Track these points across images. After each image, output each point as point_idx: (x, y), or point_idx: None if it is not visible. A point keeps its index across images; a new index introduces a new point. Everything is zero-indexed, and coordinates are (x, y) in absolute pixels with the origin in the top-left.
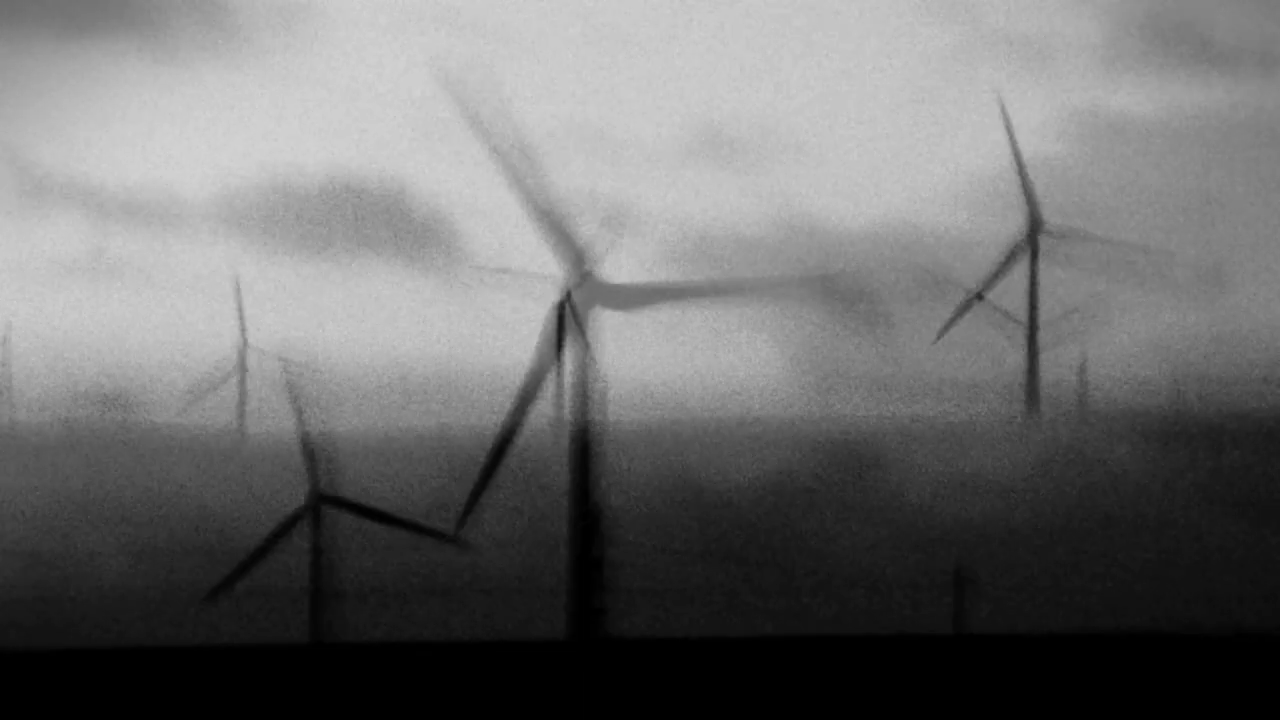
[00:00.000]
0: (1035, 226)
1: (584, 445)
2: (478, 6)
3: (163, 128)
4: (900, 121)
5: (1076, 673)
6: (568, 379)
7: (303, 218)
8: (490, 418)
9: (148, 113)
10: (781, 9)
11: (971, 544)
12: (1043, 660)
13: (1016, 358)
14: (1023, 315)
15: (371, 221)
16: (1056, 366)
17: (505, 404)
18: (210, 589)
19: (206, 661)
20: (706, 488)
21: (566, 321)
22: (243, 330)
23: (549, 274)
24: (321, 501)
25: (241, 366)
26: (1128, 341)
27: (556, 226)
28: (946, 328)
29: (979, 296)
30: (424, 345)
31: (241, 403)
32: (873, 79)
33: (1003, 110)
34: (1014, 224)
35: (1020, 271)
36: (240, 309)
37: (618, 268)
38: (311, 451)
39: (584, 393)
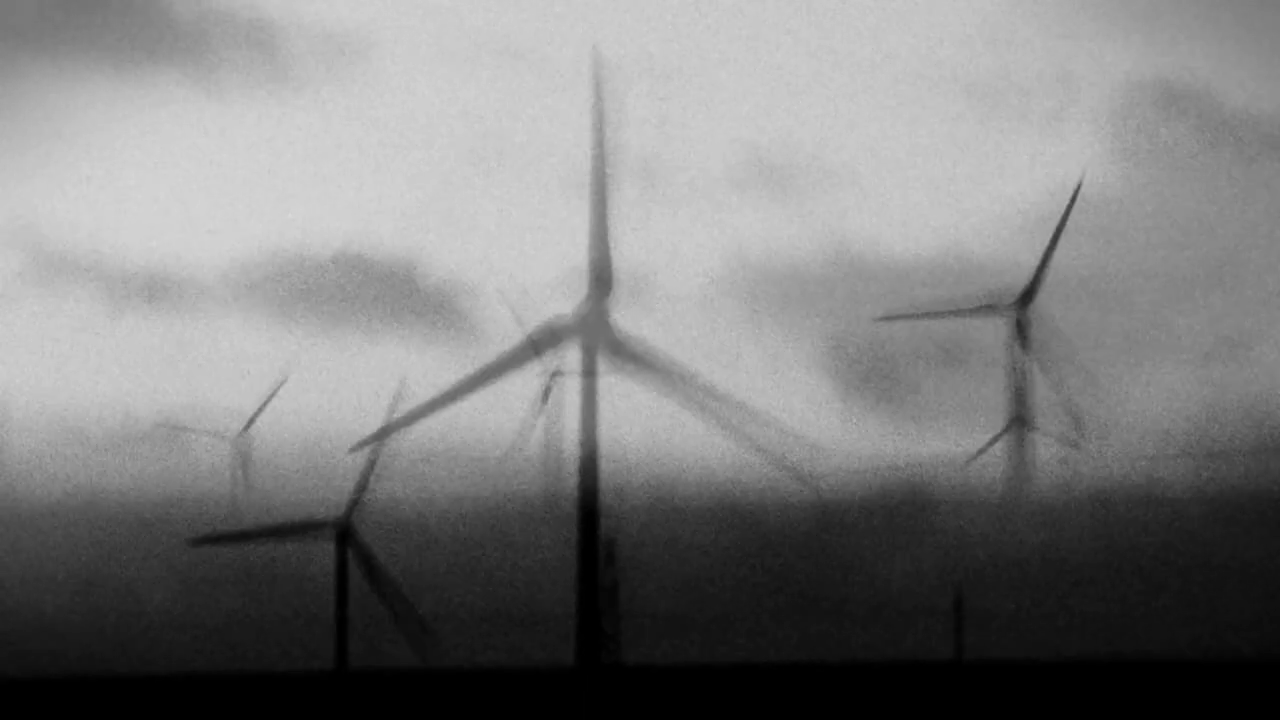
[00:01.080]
0: (1023, 324)
1: (591, 471)
2: (527, 37)
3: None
4: (952, 150)
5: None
6: (575, 407)
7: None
8: (506, 487)
9: (189, 157)
10: (830, 37)
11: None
12: (1044, 687)
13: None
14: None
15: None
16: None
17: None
18: (198, 537)
19: (234, 688)
20: (753, 517)
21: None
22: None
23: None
24: (345, 533)
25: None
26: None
27: (602, 253)
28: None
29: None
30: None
31: (243, 486)
32: (923, 107)
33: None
34: (1070, 254)
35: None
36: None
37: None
38: (365, 482)
39: (591, 420)
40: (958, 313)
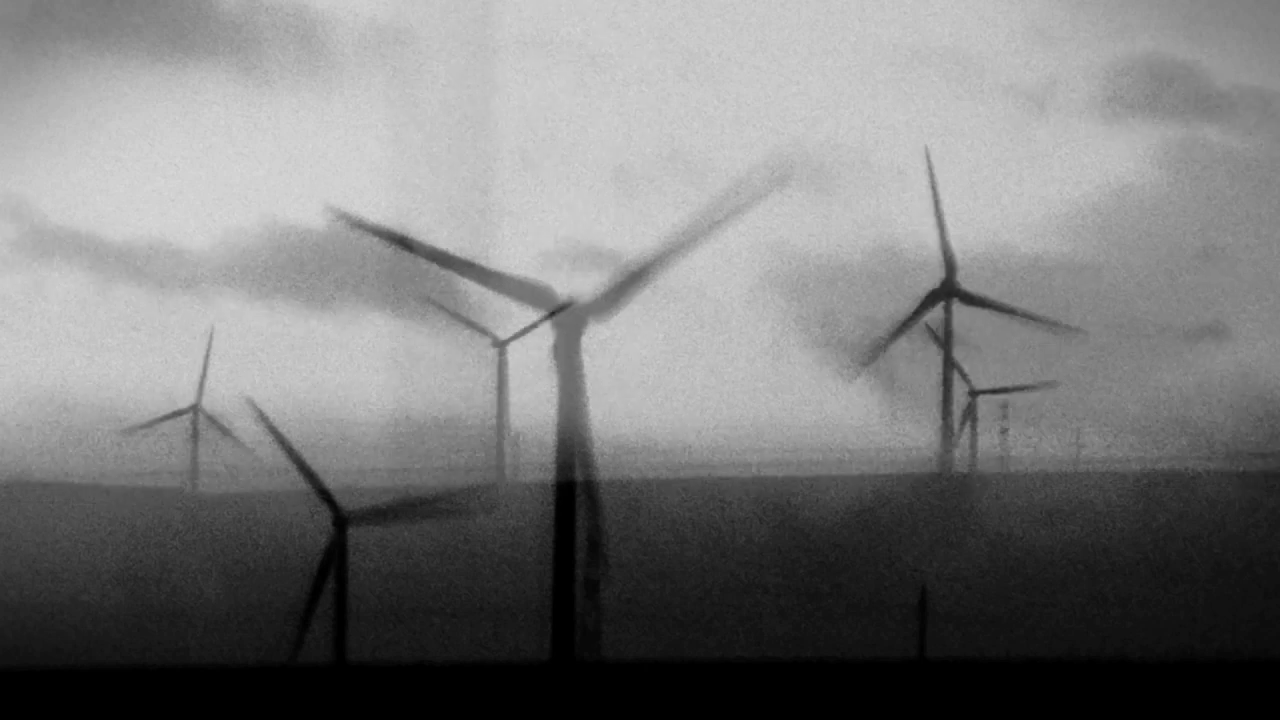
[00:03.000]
0: (949, 289)
1: (569, 459)
2: (572, 33)
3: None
4: (996, 150)
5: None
6: (556, 397)
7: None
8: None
9: (240, 138)
10: (874, 39)
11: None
12: (1008, 686)
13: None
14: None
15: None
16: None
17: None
18: (290, 646)
19: (228, 681)
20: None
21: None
22: (200, 386)
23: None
24: (346, 524)
25: (195, 426)
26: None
27: (514, 283)
28: (866, 362)
29: (884, 345)
30: (424, 397)
31: (194, 459)
32: (968, 108)
33: (929, 162)
34: (1111, 254)
35: (936, 325)
36: (205, 366)
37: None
38: (319, 484)
39: (572, 409)
40: (902, 326)
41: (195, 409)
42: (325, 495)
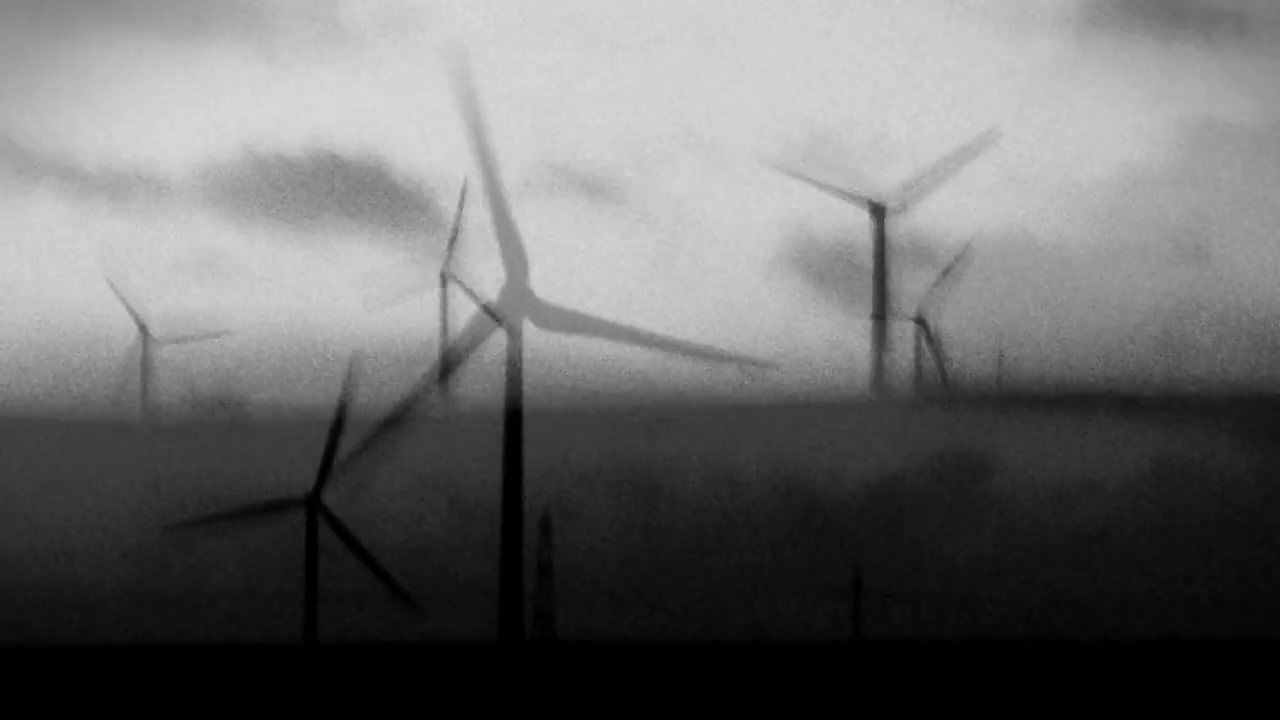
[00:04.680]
0: (879, 210)
1: (514, 445)
2: (590, 11)
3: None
4: (1008, 131)
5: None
6: (500, 376)
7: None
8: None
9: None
10: (890, 18)
11: None
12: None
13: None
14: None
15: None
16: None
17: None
18: (175, 523)
19: (203, 659)
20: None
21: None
22: (140, 323)
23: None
24: (316, 505)
25: (144, 356)
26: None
27: (510, 234)
28: None
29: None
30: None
31: (144, 394)
32: (979, 87)
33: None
34: (1125, 235)
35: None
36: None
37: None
38: (330, 453)
39: (515, 389)
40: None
41: (144, 335)
42: (326, 470)
